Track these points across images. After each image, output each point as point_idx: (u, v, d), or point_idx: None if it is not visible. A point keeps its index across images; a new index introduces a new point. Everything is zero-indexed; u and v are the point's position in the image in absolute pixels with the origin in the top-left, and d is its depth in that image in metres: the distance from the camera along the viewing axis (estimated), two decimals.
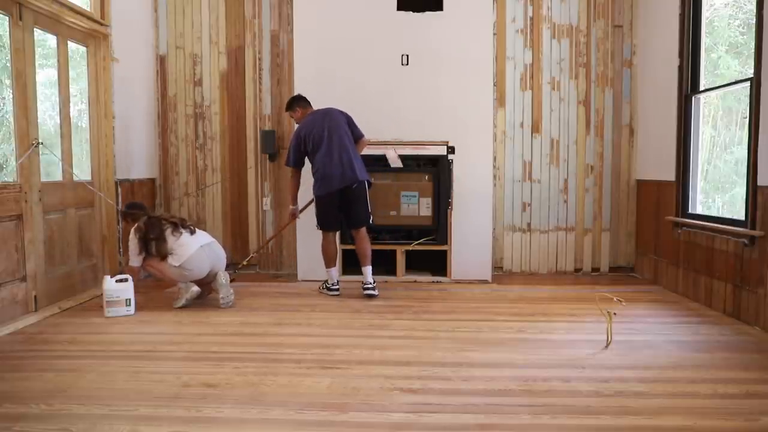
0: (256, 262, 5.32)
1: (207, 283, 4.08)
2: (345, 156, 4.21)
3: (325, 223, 4.36)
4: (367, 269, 4.33)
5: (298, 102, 4.44)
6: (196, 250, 3.92)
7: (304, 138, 4.28)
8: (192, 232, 4.01)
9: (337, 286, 4.40)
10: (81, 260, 4.40)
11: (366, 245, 4.35)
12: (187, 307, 3.97)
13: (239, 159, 5.34)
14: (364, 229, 4.36)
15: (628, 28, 5.17)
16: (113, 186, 4.66)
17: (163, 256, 3.89)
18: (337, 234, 4.52)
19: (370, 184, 4.40)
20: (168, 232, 3.92)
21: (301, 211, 4.62)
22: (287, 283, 4.91)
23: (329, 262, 4.40)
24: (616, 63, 5.19)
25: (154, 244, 3.91)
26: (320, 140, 4.23)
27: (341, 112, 4.34)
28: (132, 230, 3.97)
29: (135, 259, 3.96)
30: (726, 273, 3.82)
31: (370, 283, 4.30)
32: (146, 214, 4.04)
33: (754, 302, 3.52)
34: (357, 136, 4.39)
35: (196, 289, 3.96)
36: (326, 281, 4.46)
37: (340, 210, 4.31)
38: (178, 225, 3.99)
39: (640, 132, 5.17)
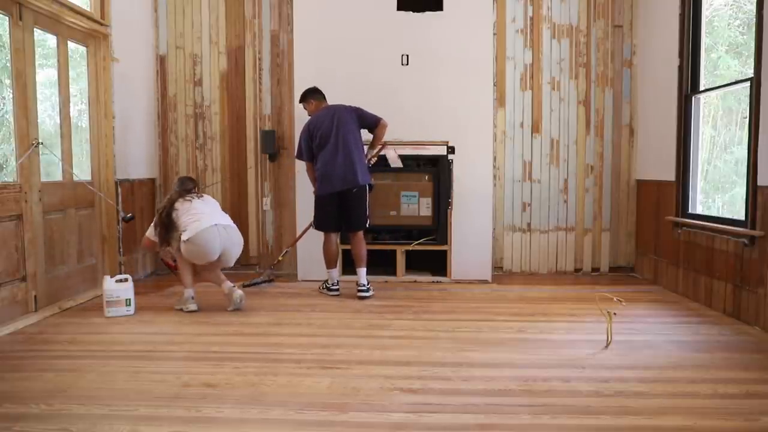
0: (257, 262, 5.32)
1: (209, 272, 4.02)
2: (349, 158, 4.20)
3: (321, 223, 4.35)
4: (362, 271, 4.33)
5: (313, 94, 4.42)
6: (209, 226, 3.78)
7: (313, 132, 4.27)
8: (200, 197, 3.97)
9: (337, 287, 4.40)
10: (81, 260, 4.39)
11: (362, 247, 4.35)
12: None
13: (239, 159, 5.34)
14: (361, 232, 4.36)
15: (628, 28, 5.17)
16: (113, 186, 4.66)
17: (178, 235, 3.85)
18: (338, 235, 4.51)
19: (371, 187, 4.39)
20: (177, 206, 3.86)
21: None
22: (287, 283, 4.91)
23: (330, 263, 4.40)
24: (616, 63, 5.19)
25: (166, 226, 3.86)
26: (327, 138, 4.21)
27: (351, 110, 4.31)
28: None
29: (150, 232, 3.95)
30: (726, 273, 3.82)
31: (364, 285, 4.30)
32: (175, 195, 3.95)
33: (754, 302, 3.52)
34: (373, 124, 4.34)
35: (193, 307, 3.89)
36: (326, 281, 4.46)
37: (339, 211, 4.31)
38: (182, 193, 3.94)
39: (640, 132, 5.17)
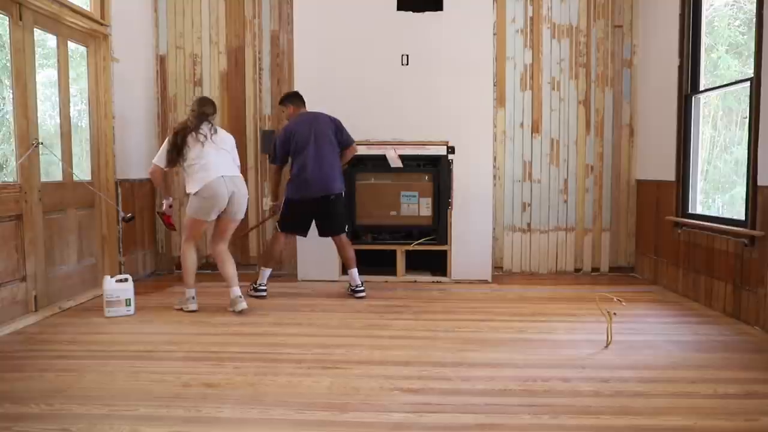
0: (257, 262, 5.31)
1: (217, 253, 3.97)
2: (326, 166, 4.19)
3: (289, 226, 4.32)
4: (353, 272, 4.34)
5: (292, 99, 4.40)
6: (216, 178, 3.77)
7: (289, 137, 4.24)
8: (213, 135, 3.87)
9: (266, 287, 4.33)
10: (81, 260, 4.39)
11: (350, 250, 4.36)
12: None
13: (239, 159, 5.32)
14: (344, 235, 4.35)
15: (628, 28, 5.18)
16: (113, 186, 4.66)
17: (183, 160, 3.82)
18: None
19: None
20: (189, 141, 3.81)
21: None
22: (287, 283, 4.91)
23: (269, 262, 4.36)
24: (616, 63, 5.19)
25: (176, 150, 3.81)
26: (305, 145, 4.19)
27: (330, 120, 4.30)
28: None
29: (159, 158, 3.88)
30: (726, 273, 3.82)
31: (359, 285, 4.32)
32: (191, 122, 3.86)
33: (754, 302, 3.52)
34: (346, 144, 4.34)
35: (194, 306, 3.90)
36: (255, 281, 4.37)
37: (315, 218, 4.30)
38: (200, 117, 3.85)
39: (640, 132, 5.17)
